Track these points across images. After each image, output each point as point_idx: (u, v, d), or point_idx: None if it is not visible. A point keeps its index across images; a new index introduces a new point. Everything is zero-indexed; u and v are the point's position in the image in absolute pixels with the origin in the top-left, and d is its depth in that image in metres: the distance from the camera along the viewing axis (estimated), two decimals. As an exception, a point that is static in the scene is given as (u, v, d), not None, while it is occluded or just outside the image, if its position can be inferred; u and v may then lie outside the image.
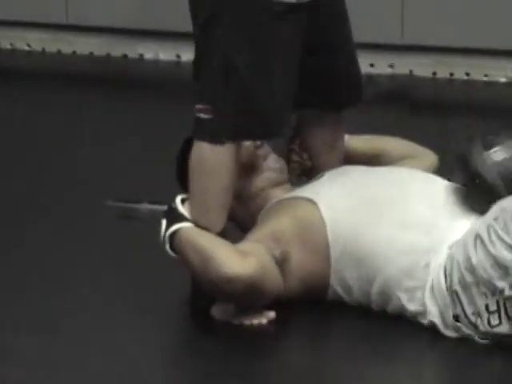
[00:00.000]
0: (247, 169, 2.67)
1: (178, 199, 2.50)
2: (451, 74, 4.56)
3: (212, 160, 2.49)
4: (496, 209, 2.41)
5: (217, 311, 2.51)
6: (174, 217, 2.51)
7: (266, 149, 2.72)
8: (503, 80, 4.56)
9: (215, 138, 2.45)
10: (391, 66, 4.68)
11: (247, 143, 2.61)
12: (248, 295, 2.43)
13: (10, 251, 3.02)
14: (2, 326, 2.59)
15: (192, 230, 2.51)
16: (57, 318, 2.63)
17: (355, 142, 2.82)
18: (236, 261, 2.45)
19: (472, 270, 2.36)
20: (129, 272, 2.86)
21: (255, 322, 2.46)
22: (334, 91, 2.66)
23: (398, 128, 2.99)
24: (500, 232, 2.33)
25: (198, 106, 2.44)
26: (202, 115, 2.44)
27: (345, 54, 2.68)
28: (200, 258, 2.47)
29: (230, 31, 2.46)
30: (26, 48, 5.42)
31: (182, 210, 2.49)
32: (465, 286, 2.38)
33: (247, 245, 2.52)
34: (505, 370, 2.38)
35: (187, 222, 2.50)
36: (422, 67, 4.65)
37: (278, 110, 2.50)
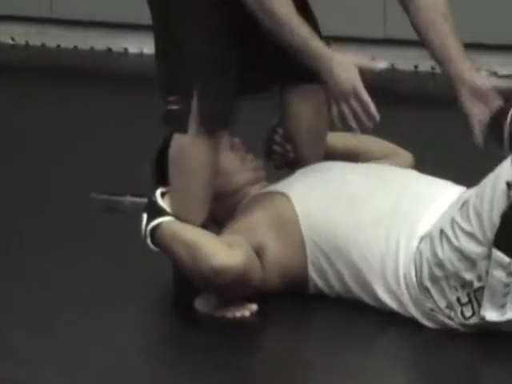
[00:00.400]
0: (225, 168, 2.71)
1: (158, 193, 2.52)
2: (433, 68, 4.55)
3: (192, 154, 2.56)
4: (459, 200, 2.46)
5: (200, 304, 2.53)
6: (155, 211, 2.52)
7: (241, 149, 2.77)
8: (484, 73, 4.58)
9: (184, 127, 2.55)
10: (373, 59, 4.74)
11: (224, 143, 2.66)
12: (235, 286, 2.45)
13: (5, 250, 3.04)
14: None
15: (175, 224, 2.53)
16: (46, 314, 2.63)
17: (334, 139, 2.84)
18: (224, 253, 2.47)
19: (440, 264, 2.40)
20: (114, 265, 2.87)
21: (238, 314, 2.48)
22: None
23: (381, 121, 3.08)
24: (462, 224, 2.37)
25: (169, 98, 2.55)
26: (173, 107, 2.55)
27: None
28: (187, 252, 2.49)
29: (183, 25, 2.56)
30: (10, 42, 5.46)
31: (163, 203, 2.51)
32: (435, 281, 2.43)
33: (228, 237, 2.54)
34: (480, 357, 2.40)
35: (168, 216, 2.52)
36: (404, 61, 4.75)
37: (232, 96, 2.59)
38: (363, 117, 2.48)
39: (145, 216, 2.51)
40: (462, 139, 2.97)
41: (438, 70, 4.79)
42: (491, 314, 2.35)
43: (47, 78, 4.91)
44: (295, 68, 2.63)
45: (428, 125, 3.89)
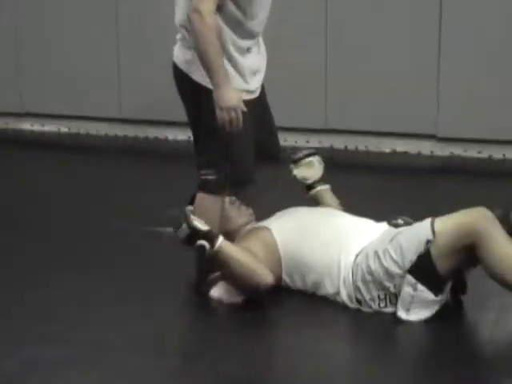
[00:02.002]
0: (230, 215, 3.17)
1: (198, 221, 2.85)
2: (356, 148, 5.35)
3: (209, 204, 3.07)
4: (390, 235, 2.85)
5: (216, 292, 3.02)
6: (210, 236, 2.84)
7: (237, 203, 3.21)
8: (387, 150, 5.30)
9: (218, 191, 3.08)
10: (320, 142, 5.36)
11: (226, 201, 3.15)
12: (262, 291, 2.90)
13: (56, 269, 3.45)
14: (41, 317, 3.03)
15: (229, 246, 2.89)
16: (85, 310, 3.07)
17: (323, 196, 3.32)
18: (270, 275, 2.91)
19: (371, 273, 2.79)
20: (141, 272, 3.37)
21: (240, 300, 2.96)
22: (268, 150, 3.33)
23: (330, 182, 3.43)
24: (391, 253, 2.78)
25: (203, 171, 3.05)
26: (209, 177, 3.05)
27: (272, 130, 3.38)
28: (244, 270, 2.87)
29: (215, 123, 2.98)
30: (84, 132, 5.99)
31: (205, 226, 2.85)
32: (364, 282, 2.81)
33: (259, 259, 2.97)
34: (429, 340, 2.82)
35: (218, 237, 2.88)
36: (340, 143, 5.41)
37: (251, 166, 3.07)
38: (235, 123, 2.90)
39: (203, 242, 2.83)
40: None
41: (360, 148, 5.19)
42: (401, 314, 2.78)
43: (125, 159, 5.45)
44: (268, 153, 3.32)
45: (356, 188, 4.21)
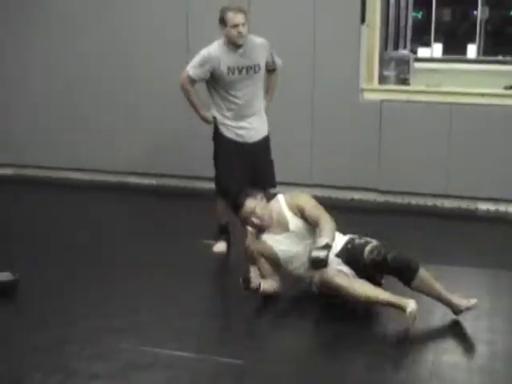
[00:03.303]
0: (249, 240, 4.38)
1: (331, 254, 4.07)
2: (351, 199, 6.57)
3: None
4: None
5: (266, 285, 4.13)
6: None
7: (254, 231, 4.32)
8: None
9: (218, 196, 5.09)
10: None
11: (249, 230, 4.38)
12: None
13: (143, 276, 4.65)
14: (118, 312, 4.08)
15: (265, 283, 4.26)
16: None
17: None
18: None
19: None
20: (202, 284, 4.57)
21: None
22: (263, 179, 5.09)
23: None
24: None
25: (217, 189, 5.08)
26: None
27: (267, 166, 5.18)
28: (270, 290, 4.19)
29: (217, 156, 5.03)
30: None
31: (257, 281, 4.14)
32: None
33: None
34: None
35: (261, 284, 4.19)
36: (324, 193, 6.50)
37: (237, 188, 4.59)
38: None
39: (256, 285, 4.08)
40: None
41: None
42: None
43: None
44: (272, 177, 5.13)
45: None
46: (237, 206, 4.27)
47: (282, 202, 4.29)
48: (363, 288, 3.89)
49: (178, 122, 6.88)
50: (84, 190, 7.16)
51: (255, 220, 4.24)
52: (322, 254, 3.86)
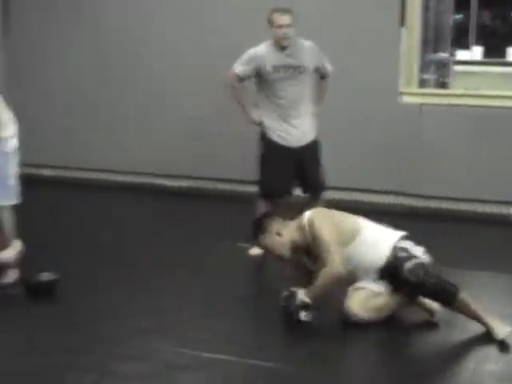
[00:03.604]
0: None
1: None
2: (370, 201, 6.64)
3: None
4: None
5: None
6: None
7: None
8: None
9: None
10: None
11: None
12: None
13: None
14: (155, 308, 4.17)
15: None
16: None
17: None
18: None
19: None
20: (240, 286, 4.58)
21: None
22: (311, 184, 5.26)
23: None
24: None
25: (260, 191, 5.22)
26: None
27: (315, 171, 5.27)
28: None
29: (262, 158, 5.17)
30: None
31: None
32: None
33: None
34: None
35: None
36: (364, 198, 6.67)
37: (281, 187, 5.07)
38: None
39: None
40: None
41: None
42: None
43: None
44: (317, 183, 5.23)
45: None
46: (256, 230, 4.18)
47: (305, 222, 4.09)
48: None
49: (189, 122, 6.96)
50: (100, 189, 7.24)
51: (271, 257, 4.24)
52: (301, 315, 3.90)
